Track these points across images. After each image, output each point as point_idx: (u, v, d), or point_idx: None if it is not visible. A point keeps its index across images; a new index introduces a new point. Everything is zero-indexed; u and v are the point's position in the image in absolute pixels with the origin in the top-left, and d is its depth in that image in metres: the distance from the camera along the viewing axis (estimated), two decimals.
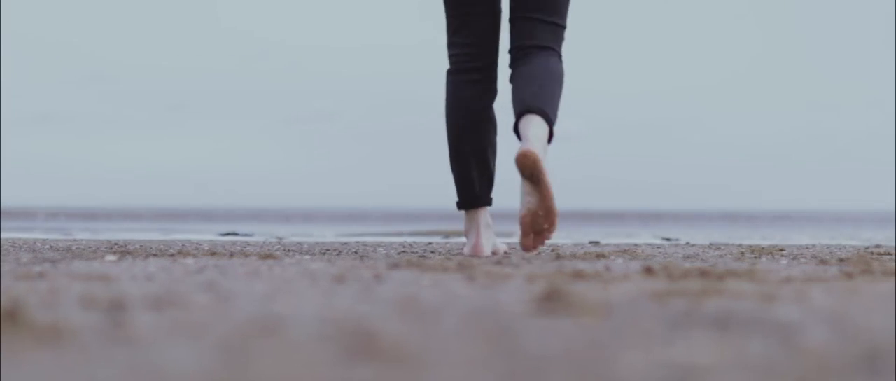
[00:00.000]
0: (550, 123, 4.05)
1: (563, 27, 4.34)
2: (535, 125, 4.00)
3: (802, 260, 3.90)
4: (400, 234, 14.41)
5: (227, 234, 12.87)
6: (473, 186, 4.44)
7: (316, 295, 2.26)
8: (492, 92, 4.42)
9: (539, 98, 4.09)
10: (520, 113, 4.04)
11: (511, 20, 4.34)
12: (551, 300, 2.08)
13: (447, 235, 13.15)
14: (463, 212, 4.46)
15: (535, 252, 4.11)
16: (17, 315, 1.79)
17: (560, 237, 11.96)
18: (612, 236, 13.28)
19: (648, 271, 3.01)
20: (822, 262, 3.75)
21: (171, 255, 3.93)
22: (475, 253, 4.31)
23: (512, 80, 4.23)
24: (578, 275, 2.88)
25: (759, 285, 2.57)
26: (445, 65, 4.48)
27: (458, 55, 4.44)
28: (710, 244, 5.90)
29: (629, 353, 1.46)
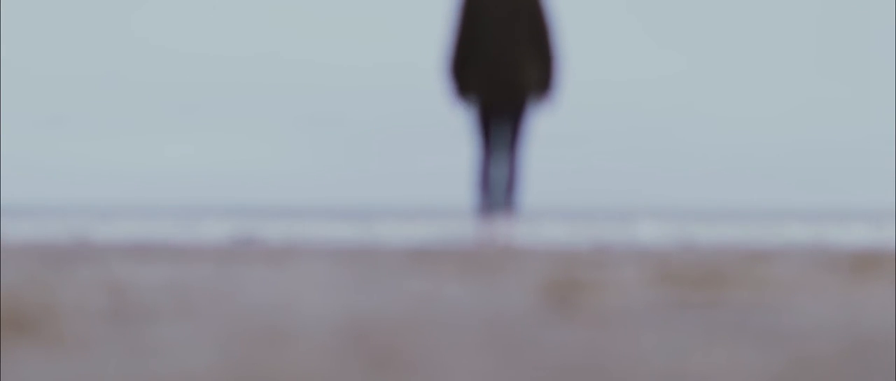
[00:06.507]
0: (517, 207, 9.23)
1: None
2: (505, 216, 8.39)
3: (807, 261, 3.89)
4: (409, 231, 14.40)
5: (238, 233, 12.88)
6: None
7: (326, 298, 2.27)
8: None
9: (512, 204, 8.92)
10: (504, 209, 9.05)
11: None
12: (560, 306, 2.09)
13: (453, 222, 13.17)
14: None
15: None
16: (21, 320, 1.79)
17: (568, 238, 11.93)
18: (620, 236, 13.27)
19: (656, 275, 3.01)
20: (827, 262, 3.75)
21: (182, 256, 3.93)
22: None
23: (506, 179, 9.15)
24: (585, 280, 2.88)
25: (763, 287, 2.57)
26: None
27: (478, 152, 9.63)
28: (717, 245, 5.90)
29: (636, 361, 1.46)
